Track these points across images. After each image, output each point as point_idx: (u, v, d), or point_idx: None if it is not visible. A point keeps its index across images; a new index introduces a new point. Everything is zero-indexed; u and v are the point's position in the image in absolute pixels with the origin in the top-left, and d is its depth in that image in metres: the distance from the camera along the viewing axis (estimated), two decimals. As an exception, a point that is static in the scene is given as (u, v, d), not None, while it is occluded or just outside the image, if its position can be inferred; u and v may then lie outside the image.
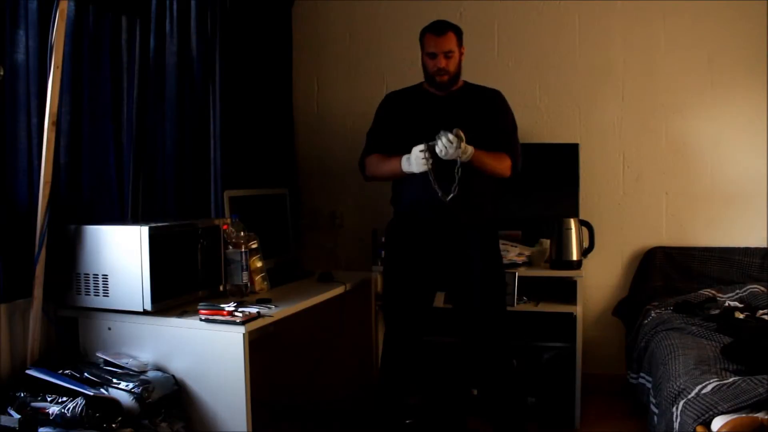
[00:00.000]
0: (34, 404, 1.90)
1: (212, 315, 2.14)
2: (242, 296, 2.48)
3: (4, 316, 2.07)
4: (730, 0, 3.40)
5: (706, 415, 1.89)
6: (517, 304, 3.11)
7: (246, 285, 2.54)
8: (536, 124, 3.60)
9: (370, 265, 3.27)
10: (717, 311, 2.94)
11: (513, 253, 3.24)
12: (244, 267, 2.53)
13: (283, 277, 2.88)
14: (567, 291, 3.17)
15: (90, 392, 1.94)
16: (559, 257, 3.20)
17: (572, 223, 3.21)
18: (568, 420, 3.12)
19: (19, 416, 1.84)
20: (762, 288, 3.11)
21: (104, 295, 2.20)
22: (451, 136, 2.41)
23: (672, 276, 3.43)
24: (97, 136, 2.43)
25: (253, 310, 2.20)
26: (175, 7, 2.77)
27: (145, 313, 2.16)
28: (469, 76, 2.79)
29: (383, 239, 2.93)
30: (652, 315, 3.06)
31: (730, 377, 2.10)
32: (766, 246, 3.41)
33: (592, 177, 3.53)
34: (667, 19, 3.49)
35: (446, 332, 3.05)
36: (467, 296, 2.68)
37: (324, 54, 3.86)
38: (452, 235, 2.66)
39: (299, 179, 3.82)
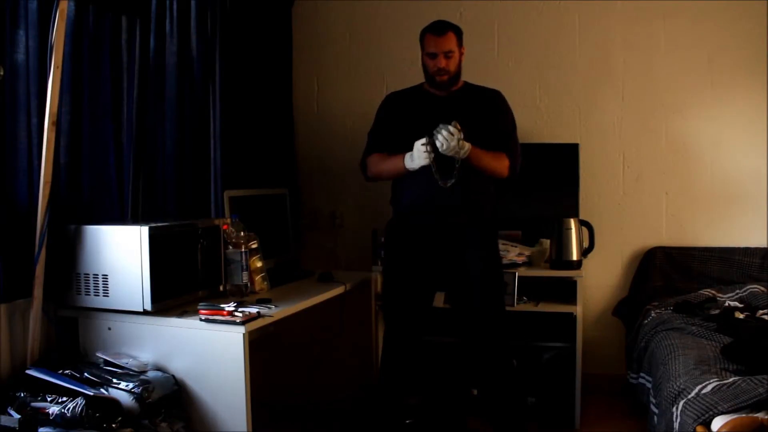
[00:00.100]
0: (34, 404, 1.90)
1: (212, 315, 2.14)
2: (242, 296, 2.48)
3: (4, 316, 2.07)
4: (730, 0, 3.40)
5: (706, 415, 1.89)
6: (517, 304, 3.11)
7: (246, 285, 2.54)
8: (536, 124, 3.61)
9: (370, 265, 3.27)
10: (717, 311, 2.94)
11: (513, 253, 3.24)
12: (244, 267, 2.53)
13: (283, 277, 2.88)
14: (567, 291, 3.17)
15: (90, 392, 1.94)
16: (559, 257, 3.20)
17: (572, 223, 3.21)
18: (568, 420, 3.12)
19: (19, 416, 1.84)
20: (762, 288, 3.11)
21: (104, 295, 2.20)
22: (451, 128, 2.43)
23: (672, 276, 3.43)
24: (97, 136, 2.43)
25: (253, 310, 2.20)
26: (175, 7, 2.77)
27: (145, 313, 2.16)
28: (469, 76, 2.79)
29: (383, 239, 2.93)
30: (652, 315, 3.06)
31: (730, 377, 2.10)
32: (766, 246, 3.41)
33: (592, 177, 3.53)
34: (667, 19, 3.49)
35: (446, 332, 3.05)
36: (467, 296, 2.68)
37: (324, 54, 3.86)
38: (451, 235, 2.66)
39: (299, 179, 3.83)
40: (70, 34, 2.24)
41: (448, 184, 2.51)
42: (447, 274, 2.71)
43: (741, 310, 2.90)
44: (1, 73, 2.01)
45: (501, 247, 3.00)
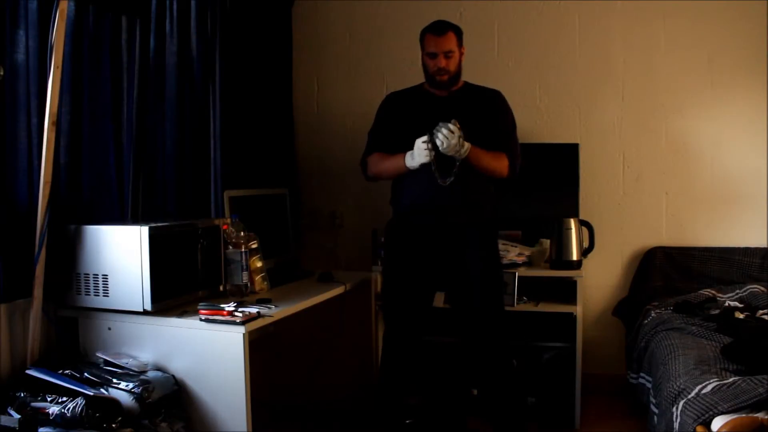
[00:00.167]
0: (34, 404, 1.90)
1: (212, 315, 2.14)
2: (242, 296, 2.48)
3: (4, 316, 2.07)
4: (730, 0, 3.40)
5: (706, 415, 1.89)
6: (517, 304, 3.11)
7: (246, 285, 2.54)
8: (536, 124, 3.61)
9: (370, 265, 3.27)
10: (717, 311, 2.94)
11: (513, 253, 3.24)
12: (244, 267, 2.53)
13: (283, 277, 2.88)
14: (567, 291, 3.17)
15: (90, 392, 1.94)
16: (559, 257, 3.20)
17: (572, 223, 3.21)
18: (568, 420, 3.12)
19: (19, 416, 1.84)
20: (762, 288, 3.11)
21: (104, 295, 2.20)
22: (451, 126, 2.43)
23: (672, 276, 3.43)
24: (97, 136, 2.43)
25: (253, 310, 2.20)
26: (175, 7, 2.77)
27: (145, 313, 2.16)
28: (469, 76, 2.79)
29: (383, 239, 2.93)
30: (652, 315, 3.06)
31: (730, 377, 2.10)
32: (766, 246, 3.41)
33: (592, 177, 3.53)
34: (667, 19, 3.49)
35: (446, 332, 3.05)
36: (467, 296, 2.68)
37: (324, 54, 3.86)
38: (451, 235, 2.67)
39: (299, 179, 3.82)
40: (70, 34, 2.24)
41: (447, 182, 2.51)
42: (447, 274, 2.71)
43: (741, 310, 2.90)
44: (1, 73, 2.01)
45: (501, 247, 3.00)
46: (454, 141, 2.44)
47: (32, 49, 2.13)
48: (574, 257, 3.19)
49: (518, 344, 3.08)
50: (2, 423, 1.80)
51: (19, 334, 2.12)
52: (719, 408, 1.89)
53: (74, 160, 2.33)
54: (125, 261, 2.16)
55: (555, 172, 3.47)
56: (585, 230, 3.30)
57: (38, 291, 2.11)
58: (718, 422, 1.84)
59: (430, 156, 2.48)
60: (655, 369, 2.60)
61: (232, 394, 2.09)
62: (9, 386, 1.99)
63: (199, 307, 2.18)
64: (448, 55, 2.63)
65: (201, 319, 2.14)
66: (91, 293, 2.21)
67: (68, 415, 1.84)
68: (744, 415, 1.83)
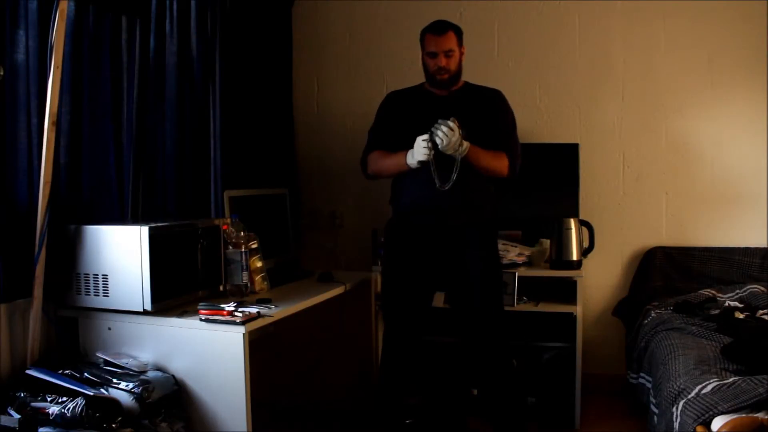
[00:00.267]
0: (34, 404, 1.90)
1: (212, 315, 2.14)
2: (242, 296, 2.48)
3: (4, 316, 2.07)
4: (730, 0, 3.40)
5: (706, 415, 1.89)
6: (517, 304, 3.11)
7: (246, 285, 2.54)
8: (536, 124, 3.61)
9: (370, 265, 3.27)
10: (717, 311, 2.94)
11: (513, 253, 3.24)
12: (244, 267, 2.53)
13: (283, 277, 2.88)
14: (567, 291, 3.17)
15: (90, 392, 1.94)
16: (559, 257, 3.20)
17: (572, 223, 3.21)
18: (568, 420, 3.12)
19: (19, 416, 1.84)
20: (762, 288, 3.11)
21: (104, 295, 2.20)
22: (450, 124, 2.43)
23: (672, 276, 3.43)
24: (97, 136, 2.43)
25: (253, 310, 2.20)
26: (175, 7, 2.77)
27: (145, 313, 2.16)
28: (469, 76, 2.79)
29: (382, 239, 2.93)
30: (652, 315, 3.06)
31: (730, 377, 2.10)
32: (766, 246, 3.41)
33: (592, 177, 3.53)
34: (667, 19, 3.49)
35: (446, 332, 3.05)
36: (466, 296, 2.68)
37: (324, 54, 3.86)
38: (451, 235, 2.66)
39: (299, 179, 3.83)
40: (70, 34, 2.24)
41: (446, 188, 2.51)
42: (447, 274, 2.71)
43: (741, 310, 2.90)
44: (1, 73, 2.01)
45: (501, 247, 3.00)
46: (453, 139, 2.45)
47: (32, 49, 2.13)
48: (574, 257, 3.19)
49: (518, 344, 3.08)
50: (2, 423, 1.80)
51: (19, 334, 2.12)
52: (719, 408, 1.89)
53: (74, 160, 2.33)
54: (125, 261, 2.16)
55: (555, 172, 3.47)
56: (585, 230, 3.30)
57: (38, 291, 2.11)
58: (718, 422, 1.84)
59: (430, 154, 2.48)
60: (655, 369, 2.60)
61: (232, 394, 2.09)
62: (9, 386, 1.99)
63: (199, 307, 2.18)
64: (448, 54, 2.63)
65: (201, 319, 2.14)
66: (91, 293, 2.21)
67: (68, 415, 1.84)
68: (744, 415, 1.83)
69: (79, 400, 1.86)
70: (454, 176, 2.51)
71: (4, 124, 2.07)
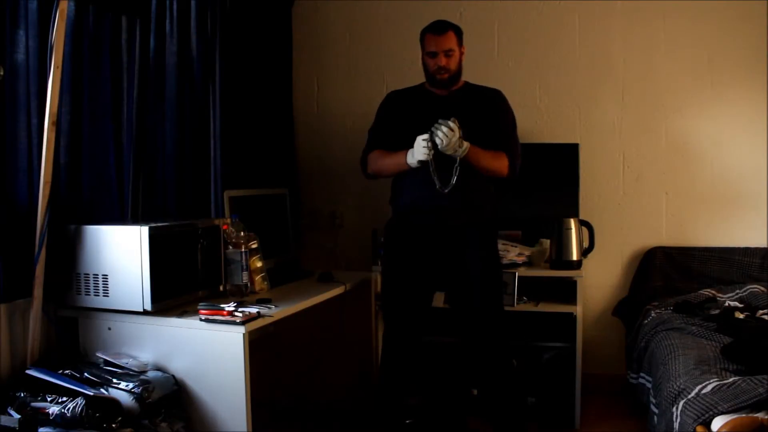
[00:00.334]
0: (34, 404, 1.90)
1: (212, 315, 2.14)
2: (242, 296, 2.48)
3: (4, 316, 2.07)
4: (730, 0, 3.40)
5: (706, 415, 1.89)
6: (517, 304, 3.11)
7: (246, 285, 2.54)
8: (536, 124, 3.61)
9: (370, 265, 3.27)
10: (717, 311, 2.94)
11: (513, 253, 3.24)
12: (244, 267, 2.53)
13: (283, 277, 2.88)
14: (567, 291, 3.17)
15: (90, 392, 1.94)
16: (559, 257, 3.20)
17: (572, 223, 3.21)
18: (568, 420, 3.12)
19: (19, 416, 1.84)
20: (762, 288, 3.11)
21: (104, 295, 2.20)
22: (450, 124, 2.43)
23: (672, 276, 3.43)
24: (97, 136, 2.43)
25: (253, 310, 2.20)
26: (175, 7, 2.77)
27: (145, 313, 2.16)
28: (469, 76, 2.79)
29: (382, 239, 2.93)
30: (652, 315, 3.06)
31: (730, 377, 2.10)
32: (766, 246, 3.41)
33: (592, 177, 3.53)
34: (667, 19, 3.49)
35: (446, 332, 3.05)
36: (466, 296, 2.68)
37: (324, 54, 3.86)
38: (451, 235, 2.66)
39: (299, 179, 3.83)
40: (70, 34, 2.24)
41: (446, 191, 2.51)
42: (446, 274, 2.71)
43: (741, 310, 2.90)
44: (1, 73, 2.01)
45: (501, 247, 3.00)
46: (453, 139, 2.45)
47: (32, 49, 2.13)
48: (574, 257, 3.19)
49: (518, 344, 3.08)
50: (2, 423, 1.80)
51: (19, 334, 2.12)
52: (719, 408, 1.89)
53: (74, 160, 2.33)
54: (125, 261, 2.16)
55: (555, 172, 3.47)
56: (585, 230, 3.30)
57: (38, 291, 2.11)
58: (718, 422, 1.84)
59: (429, 154, 2.48)
60: (655, 369, 2.60)
61: (232, 394, 2.09)
62: (9, 386, 1.99)
63: (199, 307, 2.18)
64: (448, 53, 2.63)
65: (201, 319, 2.14)
66: (91, 293, 2.21)
67: (68, 415, 1.84)
68: (744, 415, 1.83)
69: (79, 400, 1.86)
70: (454, 179, 2.50)
71: (4, 124, 2.07)
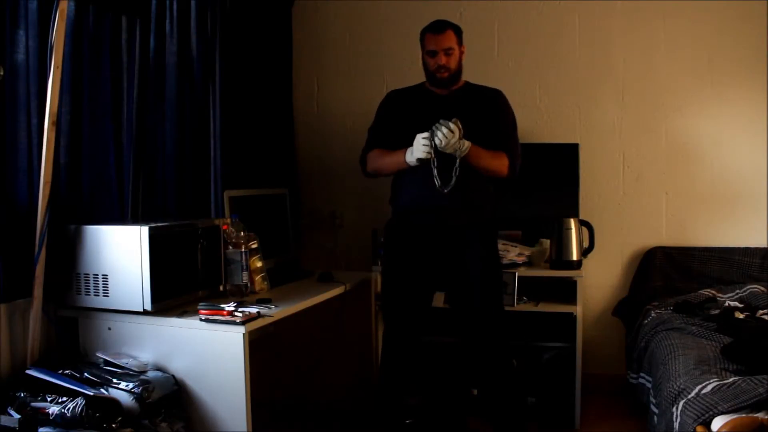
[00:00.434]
0: (34, 404, 1.90)
1: (212, 315, 2.14)
2: (242, 296, 2.48)
3: (4, 316, 2.07)
4: (730, 0, 3.40)
5: (706, 415, 1.89)
6: (517, 304, 3.11)
7: (246, 285, 2.54)
8: (536, 124, 3.61)
9: (370, 265, 3.27)
10: (717, 311, 2.94)
11: (513, 253, 3.24)
12: (244, 267, 2.53)
13: (283, 277, 2.88)
14: (567, 291, 3.17)
15: (90, 392, 1.94)
16: (559, 257, 3.20)
17: (572, 223, 3.21)
18: (568, 420, 3.12)
19: (19, 416, 1.84)
20: (762, 288, 3.11)
21: (104, 295, 2.20)
22: (451, 125, 2.43)
23: (672, 276, 3.43)
24: (97, 136, 2.43)
25: (253, 310, 2.20)
26: (175, 7, 2.77)
27: (145, 313, 2.16)
28: (469, 76, 2.79)
29: (382, 239, 2.93)
30: (652, 315, 3.06)
31: (730, 377, 2.10)
32: (766, 246, 3.41)
33: (592, 177, 3.53)
34: (667, 19, 3.49)
35: (446, 332, 3.05)
36: (466, 296, 2.68)
37: (324, 54, 3.86)
38: (451, 235, 2.66)
39: (299, 179, 3.83)
40: (70, 34, 2.24)
41: (446, 191, 2.51)
42: (447, 274, 2.71)
43: (741, 310, 2.90)
44: (1, 73, 2.01)
45: (501, 247, 3.00)
46: (453, 140, 2.44)
47: (32, 49, 2.13)
48: (574, 257, 3.19)
49: (518, 344, 3.08)
50: (2, 423, 1.80)
51: (19, 334, 2.12)
52: (719, 408, 1.89)
53: (74, 160, 2.33)
54: (125, 261, 2.16)
55: (555, 172, 3.47)
56: (585, 230, 3.29)
57: (38, 291, 2.11)
58: (718, 422, 1.84)
59: (429, 153, 2.48)
60: (655, 369, 2.60)
61: (232, 394, 2.09)
62: (9, 386, 1.99)
63: (199, 307, 2.18)
64: (448, 52, 2.63)
65: (201, 319, 2.14)
66: (91, 293, 2.21)
67: (68, 415, 1.84)
68: (744, 415, 1.83)
69: (79, 400, 1.86)
70: (454, 179, 2.50)
71: (4, 124, 2.07)
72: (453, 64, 2.66)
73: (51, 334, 2.22)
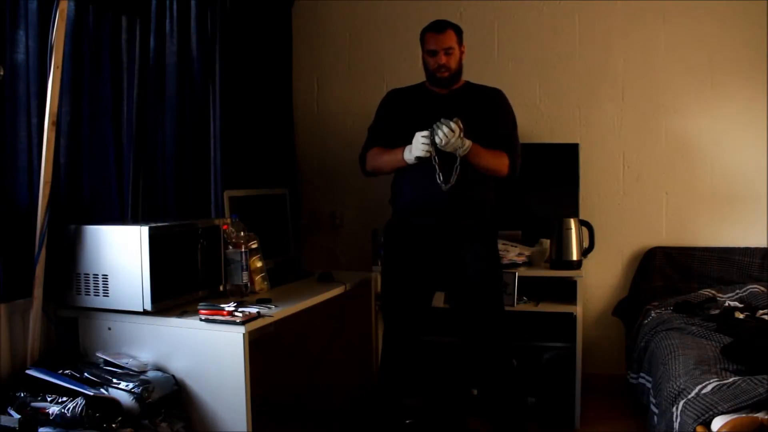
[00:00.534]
0: (34, 404, 1.90)
1: (212, 315, 2.14)
2: (242, 296, 2.48)
3: (4, 316, 2.07)
4: (730, 0, 3.40)
5: (706, 415, 1.89)
6: (517, 304, 3.11)
7: (246, 285, 2.54)
8: (536, 124, 3.61)
9: (370, 265, 3.27)
10: (717, 311, 2.94)
11: (513, 253, 3.24)
12: (244, 267, 2.53)
13: (283, 277, 2.88)
14: (567, 291, 3.17)
15: (90, 392, 1.94)
16: (559, 257, 3.20)
17: (572, 223, 3.21)
18: (568, 420, 3.12)
19: (19, 416, 1.84)
20: (762, 288, 3.11)
21: (104, 295, 2.20)
22: (452, 125, 2.42)
23: (672, 276, 3.43)
24: (97, 136, 2.44)
25: (253, 310, 2.20)
26: (175, 7, 2.77)
27: (145, 313, 2.16)
28: (469, 75, 2.79)
29: (382, 239, 2.93)
30: (652, 315, 3.06)
31: (730, 377, 2.10)
32: (766, 246, 3.41)
33: (592, 177, 3.53)
34: (667, 19, 3.49)
35: (446, 332, 3.05)
36: (466, 296, 2.68)
37: (324, 54, 3.86)
38: (451, 235, 2.66)
39: (299, 179, 3.82)
40: (70, 34, 2.24)
41: (446, 187, 2.51)
42: (446, 274, 2.71)
43: (741, 310, 2.90)
44: (1, 73, 2.01)
45: (501, 247, 3.00)
46: (453, 140, 2.44)
47: (32, 49, 2.13)
48: (574, 257, 3.19)
49: (518, 344, 3.08)
50: (2, 423, 1.80)
51: (19, 334, 2.12)
52: (719, 408, 1.89)
53: (74, 160, 2.33)
54: (125, 261, 2.16)
55: (555, 172, 3.47)
56: (585, 230, 3.29)
57: (38, 291, 2.11)
58: (718, 422, 1.84)
59: (428, 152, 2.47)
60: (655, 369, 2.60)
61: (232, 394, 2.09)
62: (9, 386, 1.99)
63: (199, 307, 2.18)
64: (448, 52, 2.63)
65: (201, 319, 2.14)
66: (91, 293, 2.21)
67: (68, 415, 1.84)
68: (744, 415, 1.83)
69: (79, 400, 1.86)
70: (455, 177, 2.50)
71: (4, 124, 2.07)
72: (453, 64, 2.66)
73: (51, 334, 2.22)
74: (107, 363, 2.16)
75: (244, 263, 2.53)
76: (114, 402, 1.94)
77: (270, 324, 2.30)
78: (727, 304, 3.02)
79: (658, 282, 3.43)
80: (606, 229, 3.49)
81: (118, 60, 2.51)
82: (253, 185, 3.21)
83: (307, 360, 3.25)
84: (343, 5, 3.82)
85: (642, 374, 2.87)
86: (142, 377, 2.06)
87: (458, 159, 2.51)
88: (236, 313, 2.13)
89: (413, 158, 2.53)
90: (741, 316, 2.82)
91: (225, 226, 2.53)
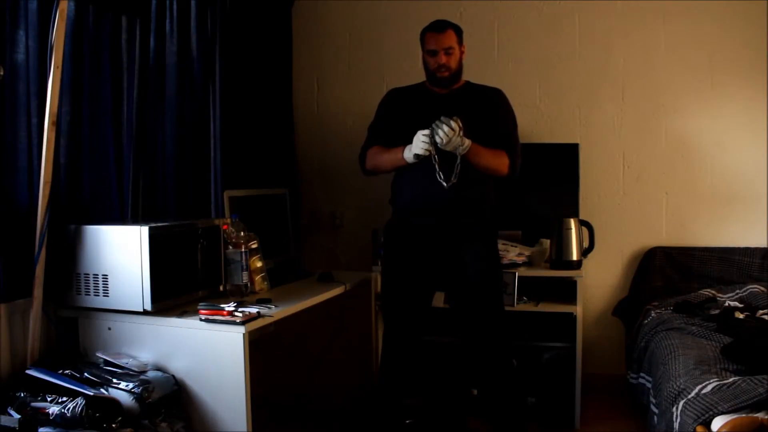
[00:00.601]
0: (34, 404, 1.90)
1: (212, 315, 2.14)
2: (242, 296, 2.48)
3: (4, 316, 2.07)
4: (730, 0, 3.40)
5: (706, 415, 1.89)
6: (517, 304, 3.11)
7: (246, 285, 2.54)
8: (536, 124, 3.61)
9: (370, 265, 3.27)
10: (717, 311, 2.94)
11: (513, 253, 3.24)
12: (244, 267, 2.53)
13: (283, 277, 2.88)
14: (567, 291, 3.17)
15: (90, 392, 1.94)
16: (559, 257, 3.20)
17: (572, 223, 3.21)
18: (568, 420, 3.12)
19: (19, 416, 1.84)
20: (762, 288, 3.11)
21: (104, 295, 2.20)
22: (452, 124, 2.42)
23: (672, 276, 3.43)
24: (97, 136, 2.44)
25: (253, 310, 2.20)
26: (175, 7, 2.77)
27: (145, 313, 2.16)
28: (469, 75, 2.79)
29: (382, 239, 2.93)
30: (652, 315, 3.06)
31: (730, 377, 2.10)
32: (766, 246, 3.41)
33: (592, 177, 3.53)
34: (667, 19, 3.49)
35: (446, 332, 3.05)
36: (466, 296, 2.68)
37: (324, 54, 3.86)
38: (451, 235, 2.66)
39: (299, 179, 3.82)
40: (70, 34, 2.24)
41: (447, 186, 2.51)
42: (446, 274, 2.71)
43: (741, 310, 2.90)
44: (1, 73, 2.01)
45: (501, 247, 3.00)
46: (454, 138, 2.44)
47: (32, 49, 2.13)
48: (574, 257, 3.19)
49: (518, 344, 3.08)
50: (2, 423, 1.80)
51: (19, 334, 2.12)
52: (719, 408, 1.89)
53: (74, 160, 2.33)
54: (125, 261, 2.16)
55: (555, 172, 3.47)
56: (585, 230, 3.29)
57: (38, 291, 2.11)
58: (718, 422, 1.84)
59: (427, 150, 2.47)
60: (655, 369, 2.60)
61: (232, 394, 2.09)
62: (9, 386, 1.99)
63: (199, 307, 2.18)
64: (448, 51, 2.63)
65: (201, 319, 2.14)
66: (91, 293, 2.21)
67: (68, 415, 1.84)
68: (744, 415, 1.83)
69: (79, 400, 1.86)
70: (455, 176, 2.50)
71: (4, 124, 2.07)
72: (453, 64, 2.66)
73: (51, 334, 2.22)
74: (107, 363, 2.16)
75: (244, 263, 2.53)
76: (114, 402, 1.94)
77: (270, 324, 2.30)
78: (727, 304, 3.02)
79: (658, 282, 3.43)
80: (606, 229, 3.49)
81: (118, 60, 2.51)
82: (253, 185, 3.21)
83: (307, 360, 3.25)
84: (343, 5, 3.82)
85: (642, 374, 2.87)
86: (142, 377, 2.06)
87: (458, 158, 2.51)
88: (236, 313, 2.13)
89: (413, 157, 2.53)
90: (741, 316, 2.81)
91: (225, 226, 2.53)
